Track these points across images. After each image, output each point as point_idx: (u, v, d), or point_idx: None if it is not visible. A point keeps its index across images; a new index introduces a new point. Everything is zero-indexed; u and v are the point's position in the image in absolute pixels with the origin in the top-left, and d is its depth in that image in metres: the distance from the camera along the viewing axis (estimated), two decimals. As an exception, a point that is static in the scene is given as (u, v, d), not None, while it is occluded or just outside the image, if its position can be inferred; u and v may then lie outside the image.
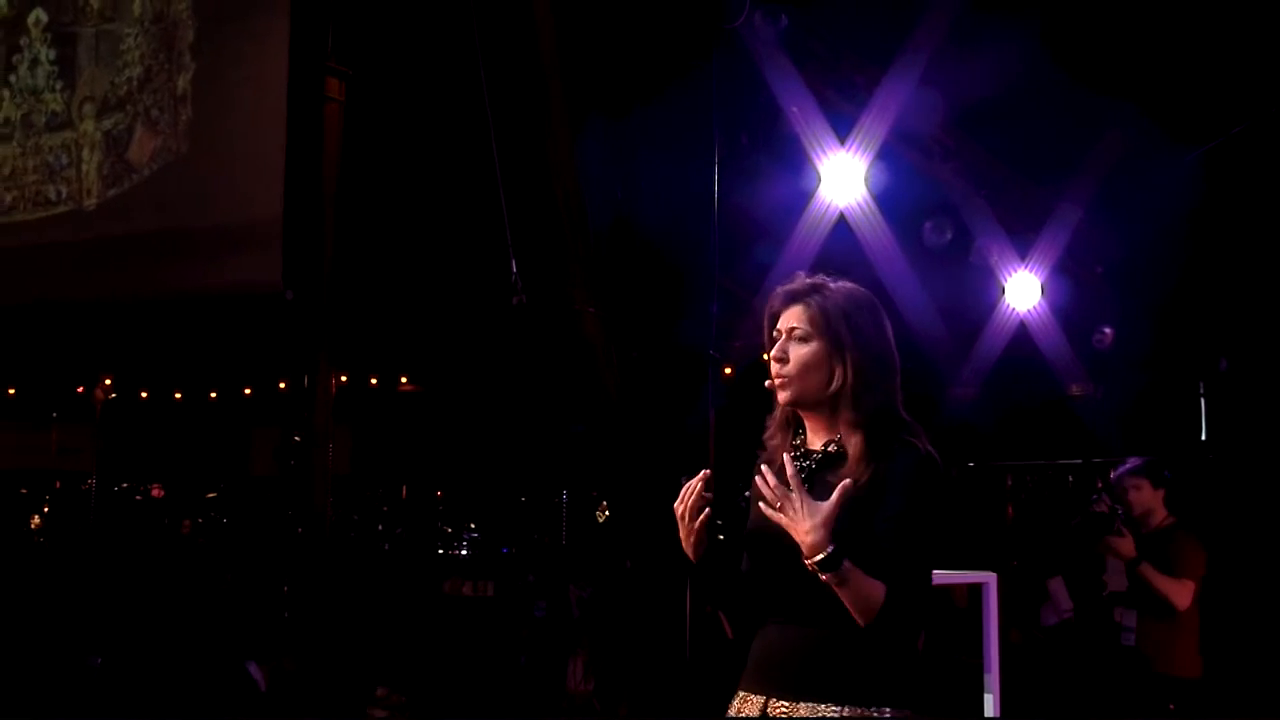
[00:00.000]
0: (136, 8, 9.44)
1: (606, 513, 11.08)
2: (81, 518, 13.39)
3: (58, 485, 14.51)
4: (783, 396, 2.74)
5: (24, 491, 14.32)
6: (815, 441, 2.76)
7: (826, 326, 2.70)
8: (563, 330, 7.74)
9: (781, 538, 2.53)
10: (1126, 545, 5.82)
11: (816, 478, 2.66)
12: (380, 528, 13.43)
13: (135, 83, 9.41)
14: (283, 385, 13.10)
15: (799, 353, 2.71)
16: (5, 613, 9.68)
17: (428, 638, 9.22)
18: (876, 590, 2.44)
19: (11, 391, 14.78)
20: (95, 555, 11.59)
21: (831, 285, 2.79)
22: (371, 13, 8.76)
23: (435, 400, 14.19)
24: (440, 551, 12.23)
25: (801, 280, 2.83)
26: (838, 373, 2.68)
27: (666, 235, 8.32)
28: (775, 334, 2.78)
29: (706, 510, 2.69)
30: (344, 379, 11.22)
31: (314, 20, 8.59)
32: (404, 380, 14.60)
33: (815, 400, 2.72)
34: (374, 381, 14.28)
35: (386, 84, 9.40)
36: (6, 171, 10.09)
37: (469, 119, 8.06)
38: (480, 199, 8.24)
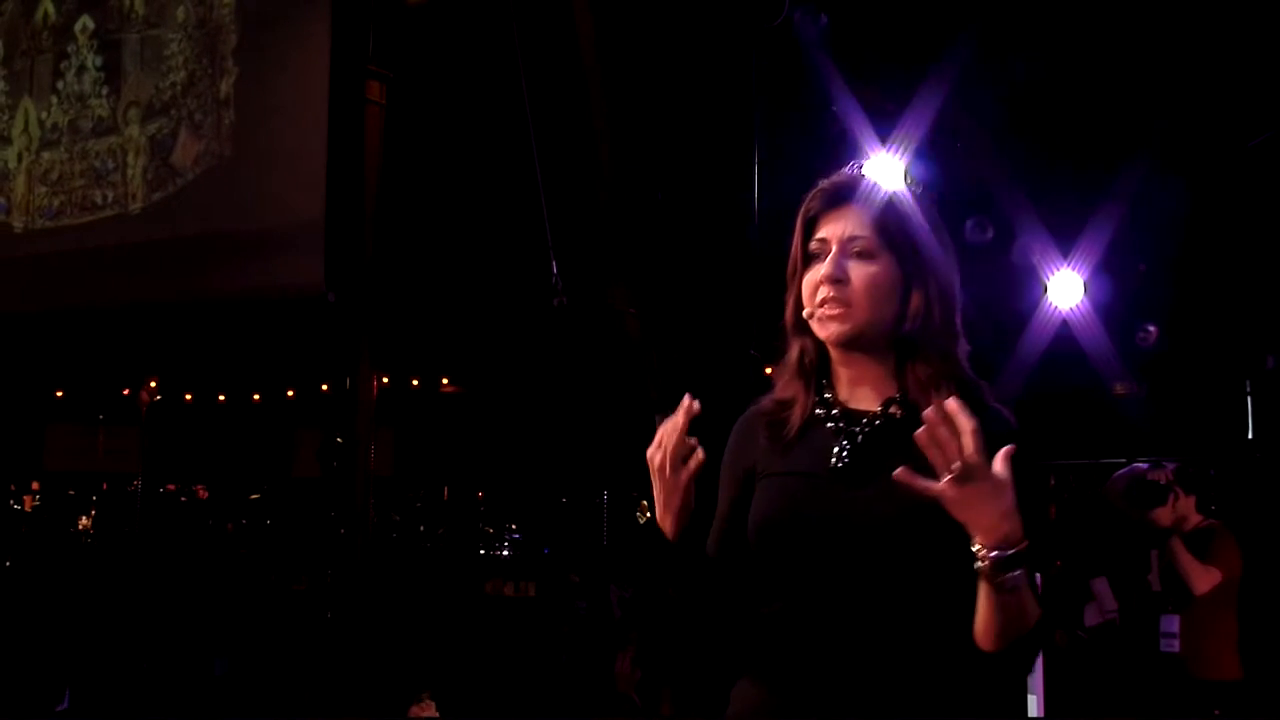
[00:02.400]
0: (180, 13, 9.47)
1: (648, 514, 11.04)
2: (128, 519, 13.43)
3: (105, 487, 14.59)
4: (833, 330, 2.01)
5: (72, 493, 14.41)
6: (859, 399, 2.07)
7: (901, 237, 2.04)
8: (604, 331, 7.71)
9: (850, 520, 1.94)
10: (1165, 514, 5.80)
11: (868, 451, 1.99)
12: (422, 529, 13.44)
13: (179, 87, 9.44)
14: (325, 387, 13.08)
15: (865, 272, 2.01)
16: (55, 612, 9.75)
17: (470, 638, 9.23)
18: (1035, 609, 1.81)
19: (59, 394, 14.84)
20: (142, 556, 11.63)
21: (916, 194, 2.12)
22: (412, 15, 8.74)
23: (476, 401, 14.15)
24: (482, 552, 12.24)
25: (856, 172, 2.12)
26: (915, 303, 2.02)
27: (706, 234, 8.28)
28: (815, 248, 2.07)
29: (696, 456, 1.99)
30: (386, 381, 11.19)
31: (355, 23, 8.62)
32: (445, 382, 14.56)
33: (874, 340, 2.03)
34: (415, 383, 14.25)
35: (427, 86, 9.39)
36: (54, 177, 10.15)
37: (510, 120, 8.05)
38: (521, 200, 8.22)
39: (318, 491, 11.54)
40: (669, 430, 2.00)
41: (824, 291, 2.03)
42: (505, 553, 12.10)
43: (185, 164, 9.37)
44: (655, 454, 2.01)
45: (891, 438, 1.99)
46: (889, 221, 2.04)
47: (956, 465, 1.72)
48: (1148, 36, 6.89)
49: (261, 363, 13.63)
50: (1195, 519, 5.92)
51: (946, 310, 2.04)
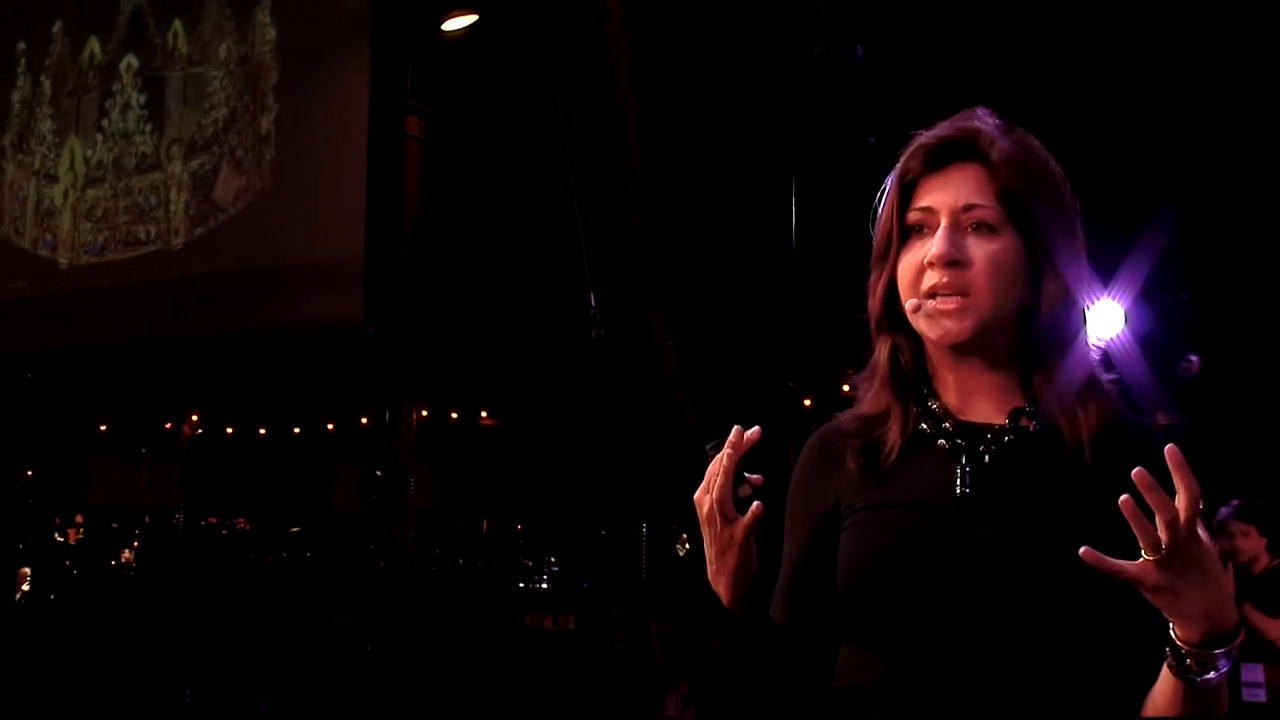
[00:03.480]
0: (222, 51, 9.53)
1: (687, 546, 10.96)
2: (170, 551, 13.44)
3: (147, 520, 14.58)
4: (948, 328, 1.56)
5: (115, 526, 14.41)
6: (976, 410, 1.62)
7: (1031, 208, 1.58)
8: (641, 364, 7.68)
9: (983, 564, 1.52)
10: (1237, 552, 5.61)
11: (998, 475, 1.57)
12: (461, 561, 13.37)
13: (221, 124, 9.50)
14: (365, 420, 13.09)
15: (987, 250, 1.56)
16: (98, 644, 9.73)
17: (509, 670, 9.16)
18: (1225, 703, 1.44)
19: (103, 428, 14.88)
20: (183, 589, 11.62)
21: (1020, 132, 1.64)
22: (449, 51, 8.75)
23: (515, 434, 14.11)
24: (521, 585, 12.14)
25: (976, 118, 1.64)
26: (1049, 290, 1.58)
27: (743, 266, 8.23)
28: (916, 219, 1.62)
29: (754, 505, 1.55)
30: (425, 414, 11.18)
31: (393, 59, 8.66)
32: (484, 415, 14.54)
33: (994, 337, 1.59)
34: (454, 416, 14.23)
35: (465, 121, 9.39)
36: (99, 213, 10.22)
37: (547, 154, 8.03)
38: (558, 233, 8.20)
39: (358, 524, 11.50)
40: (718, 470, 1.57)
41: (934, 277, 1.57)
42: (544, 585, 12.01)
43: (227, 199, 9.42)
44: (703, 498, 1.58)
45: (1026, 458, 1.58)
46: (1017, 187, 1.58)
47: (1165, 540, 1.32)
48: (1185, 65, 6.82)
49: (302, 396, 13.63)
50: (1265, 560, 5.66)
51: (1078, 301, 1.61)
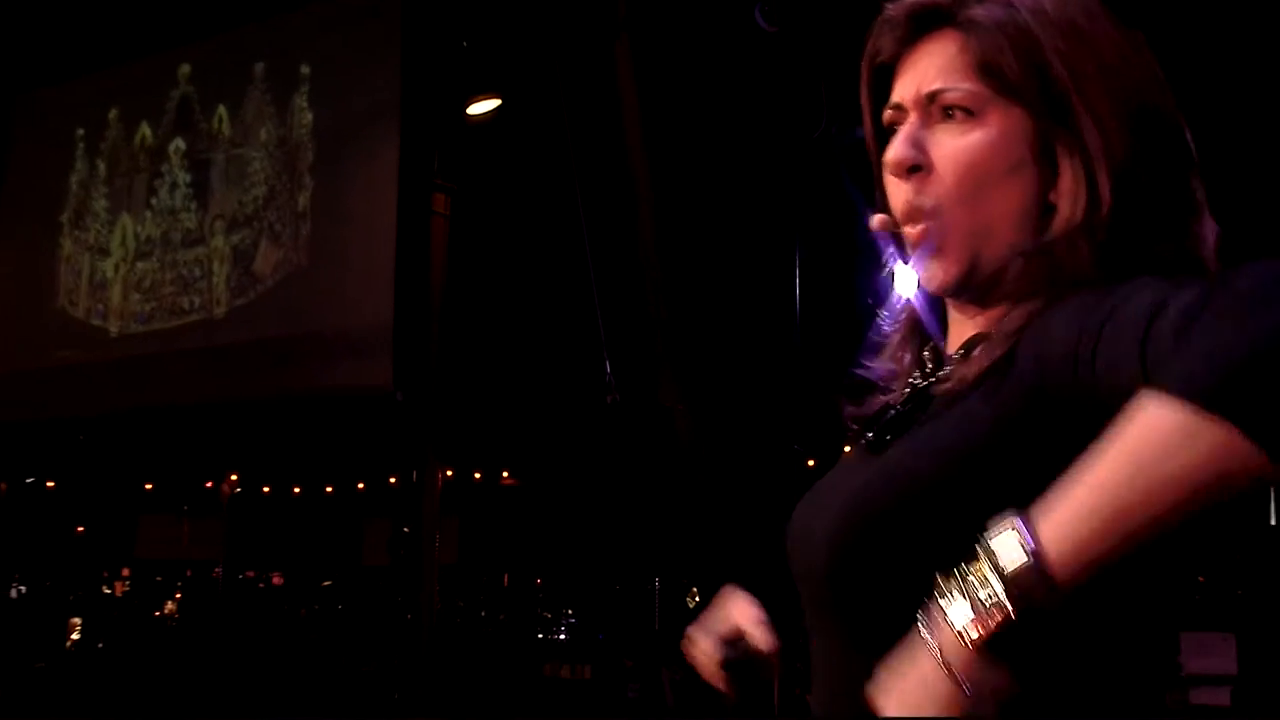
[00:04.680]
0: (263, 134, 9.54)
1: (697, 599, 10.88)
2: (211, 603, 13.41)
3: (189, 573, 14.58)
4: (930, 272, 1.11)
5: (159, 579, 14.40)
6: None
7: (1025, 71, 1.04)
8: (654, 427, 7.61)
9: (815, 513, 1.18)
10: None
11: (901, 417, 1.18)
12: (484, 613, 13.28)
13: (260, 201, 9.47)
14: (393, 480, 13.02)
15: (954, 146, 1.07)
16: (144, 690, 9.67)
17: (529, 717, 9.06)
18: None
19: (149, 487, 14.86)
20: (223, 638, 11.57)
21: None
22: (475, 133, 8.76)
23: (535, 494, 14.08)
24: (540, 636, 12.05)
25: None
26: (1067, 180, 1.02)
27: (750, 336, 8.15)
28: (891, 118, 1.14)
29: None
30: (450, 474, 11.11)
31: (421, 141, 8.60)
32: (506, 475, 14.49)
33: (1001, 266, 1.07)
34: (478, 476, 14.19)
35: (489, 199, 9.38)
36: (147, 284, 10.18)
37: (566, 230, 8.00)
38: (576, 305, 8.14)
39: (386, 579, 11.41)
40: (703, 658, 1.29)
41: (900, 194, 1.10)
42: (562, 636, 11.88)
43: (265, 272, 9.37)
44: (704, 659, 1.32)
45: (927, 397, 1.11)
46: (1000, 49, 1.03)
47: None
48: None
49: (334, 457, 13.63)
50: None
51: (1127, 179, 1.00)
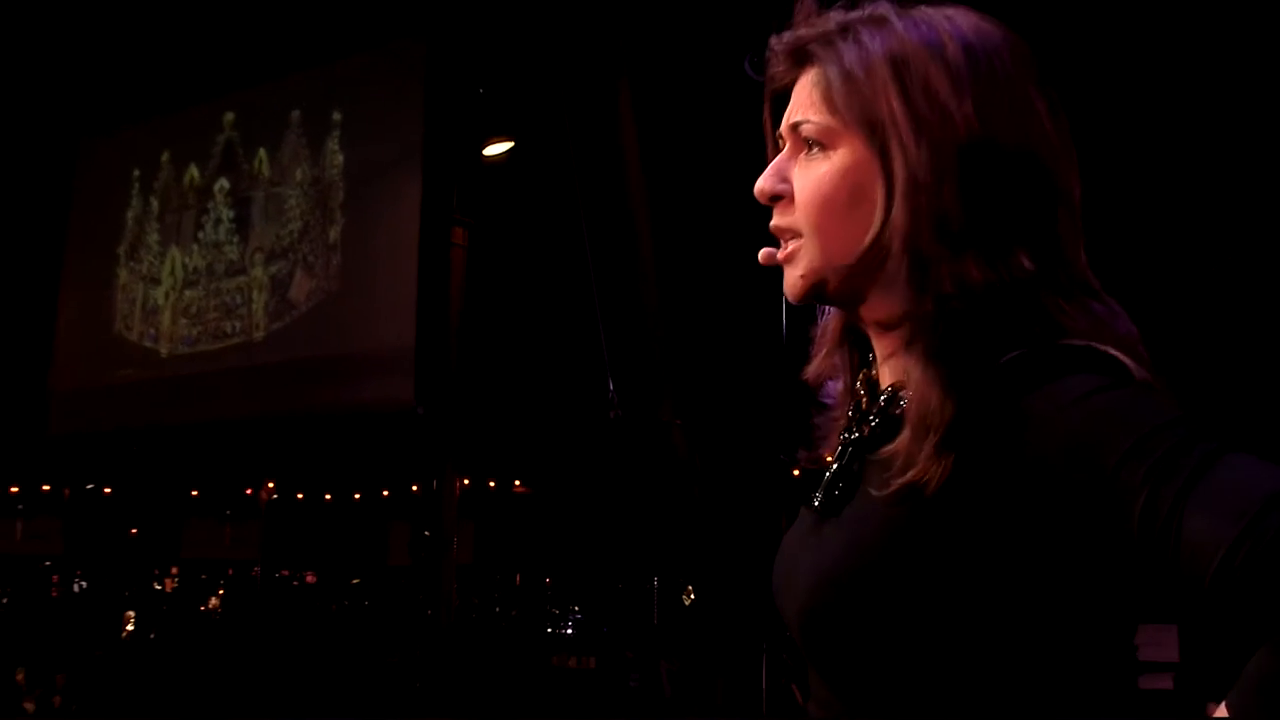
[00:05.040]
0: (298, 174, 9.55)
1: (692, 596, 10.80)
2: (250, 599, 13.36)
3: (230, 572, 14.53)
4: (787, 285, 1.06)
5: (204, 576, 14.37)
6: (884, 376, 1.06)
7: (862, 100, 0.98)
8: (653, 440, 7.57)
9: (796, 577, 1.08)
10: None
11: (851, 468, 1.04)
12: (498, 610, 13.21)
13: (296, 235, 9.48)
14: (415, 488, 12.97)
15: (806, 176, 1.02)
16: (191, 677, 9.63)
17: (538, 704, 8.99)
18: None
19: (194, 493, 14.84)
20: (261, 632, 11.52)
21: (886, 10, 1.01)
22: (490, 172, 8.75)
23: (544, 500, 14.03)
24: (549, 630, 11.97)
25: (812, 11, 1.05)
26: (895, 217, 0.97)
27: (739, 357, 8.08)
28: (779, 141, 1.07)
29: None
30: (466, 482, 11.05)
31: (441, 179, 8.57)
32: (517, 483, 14.45)
33: (856, 283, 1.02)
34: (492, 484, 14.14)
35: (503, 232, 9.36)
36: (194, 311, 10.19)
37: (572, 260, 7.95)
38: (582, 329, 8.09)
39: (409, 577, 11.34)
40: None
41: (774, 217, 1.05)
42: (569, 631, 11.78)
43: (300, 299, 9.37)
44: None
45: (880, 445, 1.00)
46: (840, 83, 0.99)
47: None
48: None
49: (361, 466, 13.59)
50: None
51: (929, 204, 0.94)
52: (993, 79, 0.96)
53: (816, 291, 1.03)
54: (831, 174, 1.00)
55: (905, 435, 0.94)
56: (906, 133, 0.96)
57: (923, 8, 1.01)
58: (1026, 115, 0.97)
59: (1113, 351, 0.90)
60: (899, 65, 0.97)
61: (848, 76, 0.99)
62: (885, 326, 1.02)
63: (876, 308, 1.02)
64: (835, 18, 1.03)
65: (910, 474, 0.92)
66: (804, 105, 1.02)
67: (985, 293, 0.93)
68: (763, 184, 1.05)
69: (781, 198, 1.04)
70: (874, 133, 0.98)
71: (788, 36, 1.05)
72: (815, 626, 0.98)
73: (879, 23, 1.00)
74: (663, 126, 7.70)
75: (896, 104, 0.96)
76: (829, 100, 1.00)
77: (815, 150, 1.01)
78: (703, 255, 8.38)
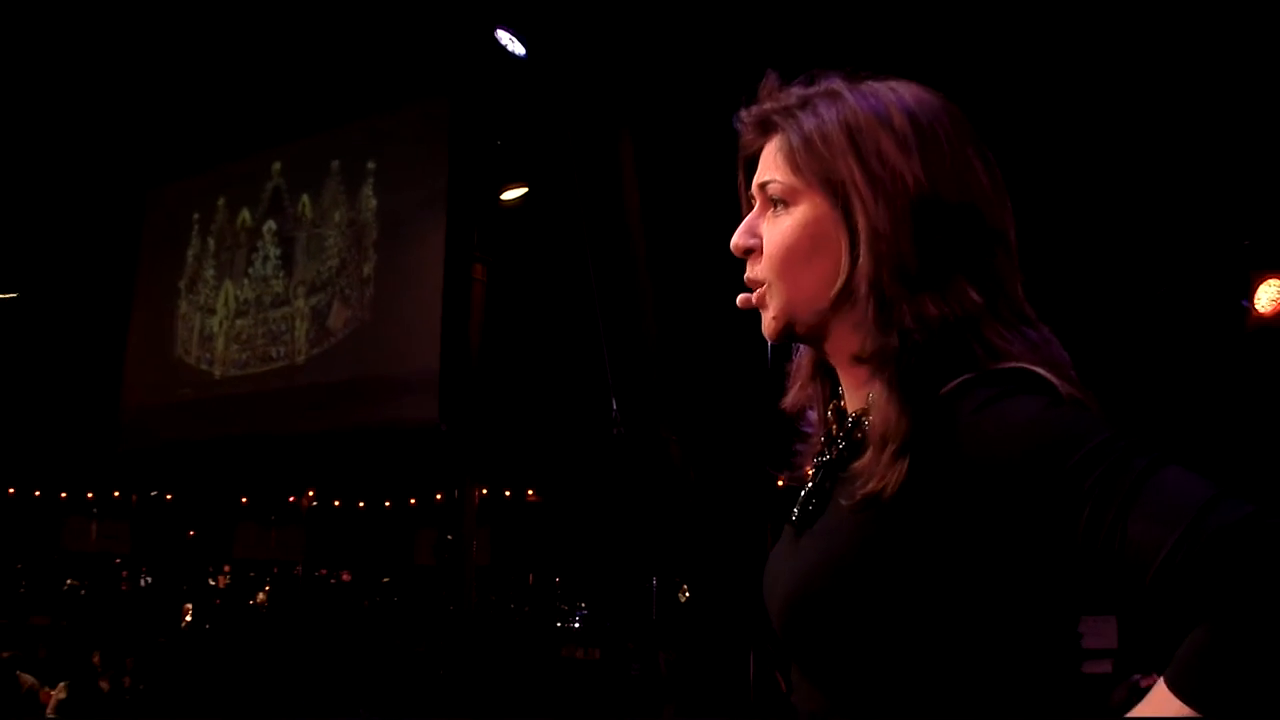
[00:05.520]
0: (337, 216, 9.49)
1: (687, 594, 10.68)
2: (293, 595, 13.29)
3: (276, 570, 14.48)
4: (764, 325, 1.04)
5: (252, 574, 14.29)
6: (851, 404, 1.04)
7: (821, 162, 0.98)
8: (651, 454, 7.48)
9: (775, 587, 1.05)
10: None
11: (822, 488, 1.02)
12: (512, 606, 13.12)
13: (334, 270, 9.39)
14: (439, 496, 12.87)
15: (772, 230, 1.01)
16: (242, 663, 9.53)
17: (549, 691, 8.87)
18: None
19: (244, 500, 14.76)
20: (303, 623, 11.42)
21: (840, 86, 1.01)
22: (507, 215, 8.70)
23: (555, 508, 13.94)
24: (558, 624, 11.86)
25: (775, 87, 1.05)
26: (847, 256, 0.97)
27: (729, 380, 7.93)
28: (751, 200, 1.06)
29: None
30: (485, 492, 10.94)
31: (464, 220, 8.49)
32: (531, 493, 14.36)
33: (824, 322, 1.00)
34: (508, 494, 14.07)
35: (518, 268, 9.29)
36: (244, 338, 10.11)
37: (580, 293, 7.84)
38: (588, 354, 7.97)
39: (433, 577, 11.21)
40: None
41: (748, 269, 1.05)
42: (576, 625, 11.61)
43: (337, 327, 9.28)
44: None
45: (848, 462, 0.98)
46: (799, 146, 0.99)
47: None
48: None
49: (391, 477, 13.52)
50: None
51: (902, 252, 0.94)
52: (935, 141, 0.98)
53: (787, 332, 1.03)
54: (794, 227, 1.00)
55: (869, 452, 0.94)
56: (865, 191, 0.96)
57: (870, 81, 1.02)
58: (965, 171, 0.98)
59: (1043, 373, 0.90)
60: (853, 132, 0.98)
61: (808, 142, 1.00)
62: (852, 360, 1.01)
63: (843, 344, 1.01)
64: (796, 92, 1.03)
65: (871, 484, 0.92)
66: (770, 167, 1.02)
67: (940, 325, 0.93)
68: (736, 240, 1.06)
69: (753, 251, 1.05)
70: (834, 191, 0.98)
71: (755, 109, 1.05)
72: (794, 623, 0.97)
73: (833, 96, 1.01)
74: (660, 173, 7.61)
75: (854, 166, 0.97)
76: (791, 163, 1.00)
77: (780, 207, 1.02)
78: (696, 289, 8.24)
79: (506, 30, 7.15)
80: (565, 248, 8.22)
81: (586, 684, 9.14)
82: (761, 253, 1.03)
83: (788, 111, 1.02)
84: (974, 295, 0.94)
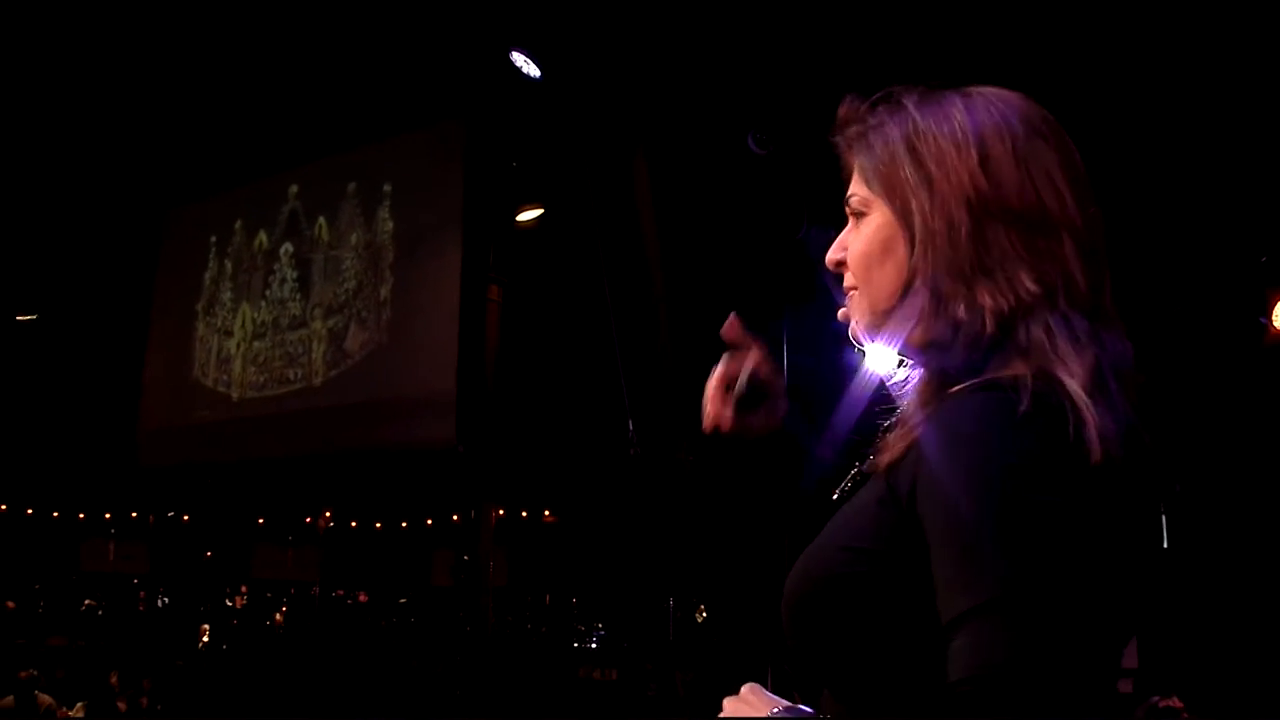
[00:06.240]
0: (354, 238, 9.51)
1: (704, 614, 10.61)
2: (310, 615, 13.26)
3: (293, 591, 14.46)
4: (854, 331, 1.07)
5: (269, 595, 14.29)
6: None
7: (886, 172, 1.02)
8: (668, 475, 7.49)
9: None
10: None
11: (853, 486, 1.08)
12: (529, 626, 13.06)
13: (351, 292, 9.41)
14: (455, 517, 12.86)
15: (854, 238, 1.06)
16: (258, 682, 9.53)
17: (565, 712, 8.81)
18: None
19: (261, 521, 14.78)
20: (320, 643, 11.40)
21: (907, 100, 1.04)
22: (522, 236, 8.72)
23: (571, 528, 13.90)
24: (575, 645, 11.80)
25: (850, 102, 1.08)
26: (907, 255, 1.00)
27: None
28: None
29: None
30: (501, 512, 10.91)
31: (479, 242, 8.52)
32: (547, 513, 14.32)
33: (898, 323, 1.02)
34: (524, 514, 14.03)
35: (534, 289, 9.31)
36: (261, 360, 10.14)
37: (596, 314, 7.86)
38: (604, 375, 7.98)
39: (450, 597, 11.19)
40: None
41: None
42: (593, 645, 11.56)
43: (354, 349, 9.29)
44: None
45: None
46: (865, 160, 1.05)
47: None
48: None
49: (408, 498, 13.51)
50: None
51: (949, 261, 0.97)
52: (998, 139, 1.00)
53: (873, 334, 1.06)
54: (867, 235, 1.05)
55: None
56: (921, 193, 1.00)
57: (945, 91, 1.05)
58: (1030, 166, 0.99)
59: (1069, 384, 0.90)
60: (913, 140, 1.02)
61: (874, 156, 1.04)
62: (918, 353, 1.04)
63: (912, 338, 1.02)
64: (872, 111, 1.07)
65: (878, 458, 0.97)
66: (852, 185, 1.07)
67: (995, 314, 0.95)
68: (829, 255, 1.10)
69: (842, 263, 1.09)
70: (895, 197, 1.02)
71: (841, 132, 1.09)
72: (791, 616, 0.99)
73: (899, 110, 1.05)
74: (674, 193, 7.61)
75: (911, 171, 1.01)
76: (864, 177, 1.05)
77: (859, 219, 1.06)
78: (712, 308, 8.23)
79: (521, 52, 7.20)
80: (580, 268, 8.25)
81: (604, 705, 9.10)
82: (848, 264, 1.07)
83: (861, 133, 1.06)
84: (1030, 285, 0.95)
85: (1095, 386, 0.90)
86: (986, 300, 0.96)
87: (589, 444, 10.20)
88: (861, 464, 1.06)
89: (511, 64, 7.21)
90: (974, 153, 0.99)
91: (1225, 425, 6.37)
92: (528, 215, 8.66)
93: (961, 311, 0.96)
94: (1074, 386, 0.89)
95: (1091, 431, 0.86)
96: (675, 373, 7.55)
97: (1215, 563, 6.60)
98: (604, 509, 12.06)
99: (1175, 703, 5.02)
